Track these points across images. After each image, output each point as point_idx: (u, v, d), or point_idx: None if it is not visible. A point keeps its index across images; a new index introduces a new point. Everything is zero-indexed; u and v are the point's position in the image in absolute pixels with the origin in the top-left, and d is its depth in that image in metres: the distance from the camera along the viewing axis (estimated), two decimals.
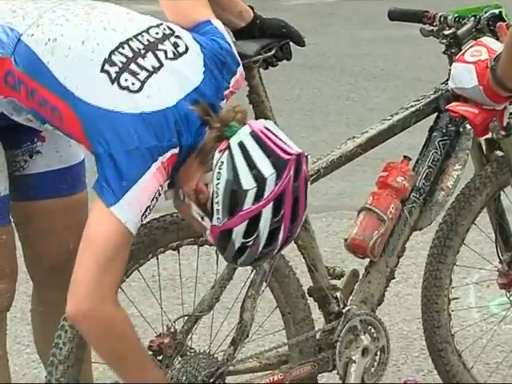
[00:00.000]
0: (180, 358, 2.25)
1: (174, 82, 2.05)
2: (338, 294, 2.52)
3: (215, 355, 2.31)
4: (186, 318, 2.28)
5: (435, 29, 2.58)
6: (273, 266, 2.36)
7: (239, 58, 2.18)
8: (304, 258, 2.51)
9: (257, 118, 2.31)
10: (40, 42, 2.05)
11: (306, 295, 2.50)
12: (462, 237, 2.67)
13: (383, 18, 2.73)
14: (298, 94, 5.79)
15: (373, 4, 7.64)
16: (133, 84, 2.01)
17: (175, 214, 2.24)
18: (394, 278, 2.61)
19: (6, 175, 2.26)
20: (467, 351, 2.79)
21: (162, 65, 2.05)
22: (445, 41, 2.55)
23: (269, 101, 2.45)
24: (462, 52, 2.36)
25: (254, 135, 2.01)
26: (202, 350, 2.30)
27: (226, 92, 2.16)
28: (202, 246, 2.32)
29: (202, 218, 2.07)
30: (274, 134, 2.02)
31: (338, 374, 2.48)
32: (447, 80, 2.53)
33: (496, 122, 2.47)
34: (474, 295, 3.11)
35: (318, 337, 2.49)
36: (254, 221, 2.00)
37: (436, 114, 2.59)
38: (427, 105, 2.58)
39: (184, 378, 2.23)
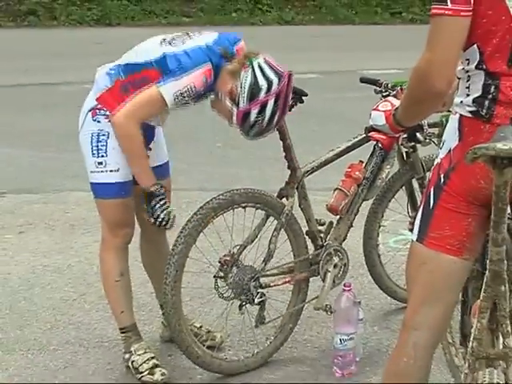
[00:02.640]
0: (235, 268, 3.81)
1: (202, 38, 3.64)
2: (322, 235, 4.11)
3: (254, 267, 3.87)
4: (239, 246, 3.83)
5: (378, 89, 4.16)
6: (287, 220, 3.91)
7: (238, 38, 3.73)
8: (304, 214, 4.08)
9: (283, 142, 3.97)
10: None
11: (305, 236, 4.05)
12: (386, 204, 4.42)
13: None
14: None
15: None
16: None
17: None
18: (352, 226, 4.15)
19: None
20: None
21: (190, 37, 3.66)
22: (383, 98, 3.92)
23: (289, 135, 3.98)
24: (376, 105, 3.43)
25: (265, 60, 3.57)
26: (247, 264, 3.86)
27: (235, 48, 3.66)
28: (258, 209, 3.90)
29: (232, 107, 3.55)
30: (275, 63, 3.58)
31: (320, 277, 4.06)
32: None
33: (404, 142, 4.20)
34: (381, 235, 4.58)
35: (310, 258, 4.06)
36: (263, 106, 3.52)
37: None
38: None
39: (238, 278, 3.80)
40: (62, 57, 13.20)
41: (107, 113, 3.64)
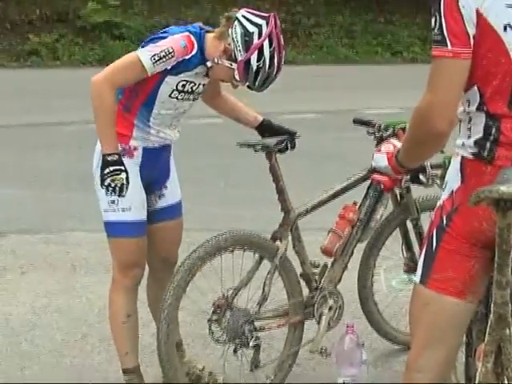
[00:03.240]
0: (229, 311, 3.78)
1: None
2: (316, 277, 4.08)
3: (249, 310, 3.83)
4: (232, 289, 3.79)
5: (371, 130, 4.14)
6: (281, 263, 3.87)
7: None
8: (298, 256, 4.05)
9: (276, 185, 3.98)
10: None
11: (299, 278, 4.02)
12: (380, 246, 4.39)
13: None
14: None
15: None
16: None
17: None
18: (347, 268, 4.12)
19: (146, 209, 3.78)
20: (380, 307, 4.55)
21: None
22: (375, 139, 4.07)
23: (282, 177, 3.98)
24: (379, 147, 3.55)
25: (247, 11, 3.65)
26: (241, 307, 3.82)
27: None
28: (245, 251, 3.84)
29: (231, 65, 3.60)
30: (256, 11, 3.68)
31: (315, 320, 4.05)
32: None
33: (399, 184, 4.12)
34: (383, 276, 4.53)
35: (305, 300, 4.04)
36: (260, 50, 3.57)
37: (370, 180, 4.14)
38: (366, 174, 4.10)
39: (232, 322, 3.77)
40: (65, 97, 13.25)
41: (122, 146, 3.66)
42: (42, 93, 13.82)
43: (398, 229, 4.41)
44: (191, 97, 3.76)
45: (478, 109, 2.51)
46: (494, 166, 2.47)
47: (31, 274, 5.70)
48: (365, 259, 4.40)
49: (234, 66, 3.60)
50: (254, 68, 3.59)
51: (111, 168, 3.54)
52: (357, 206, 4.10)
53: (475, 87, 2.49)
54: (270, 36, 3.60)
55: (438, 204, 2.64)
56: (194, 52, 3.60)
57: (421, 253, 2.69)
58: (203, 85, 3.77)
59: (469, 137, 2.54)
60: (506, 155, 2.47)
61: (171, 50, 3.53)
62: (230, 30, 3.60)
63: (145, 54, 3.52)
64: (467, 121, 2.55)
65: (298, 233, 4.02)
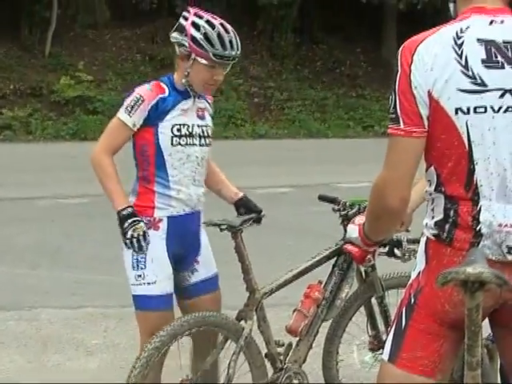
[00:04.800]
0: None
1: None
2: (281, 357, 4.03)
3: None
4: (197, 371, 3.78)
5: (336, 208, 4.14)
6: (247, 343, 3.81)
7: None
8: (262, 336, 4.01)
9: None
10: None
11: (264, 358, 3.96)
12: (345, 325, 4.32)
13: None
14: None
15: None
16: None
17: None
18: (312, 348, 4.09)
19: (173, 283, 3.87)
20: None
21: None
22: (341, 217, 4.10)
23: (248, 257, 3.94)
24: (353, 219, 3.50)
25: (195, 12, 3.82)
26: None
27: None
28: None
29: (189, 57, 3.77)
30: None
31: None
32: (342, 238, 4.02)
33: (366, 262, 3.92)
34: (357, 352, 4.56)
35: (269, 381, 3.98)
36: (194, 24, 3.77)
37: (336, 257, 4.14)
38: (331, 253, 4.13)
39: None
40: (37, 171, 13.26)
41: (145, 220, 3.79)
42: (15, 167, 13.80)
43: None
44: (195, 141, 3.88)
45: (436, 190, 2.54)
46: (454, 247, 2.50)
47: (1, 352, 5.61)
48: (330, 339, 4.35)
49: (193, 55, 3.77)
50: (200, 36, 3.75)
51: (129, 220, 3.70)
52: (322, 285, 4.10)
53: (432, 167, 2.53)
54: (195, 14, 3.82)
55: (409, 282, 2.67)
56: (166, 93, 3.83)
57: (390, 330, 2.70)
58: (198, 125, 3.90)
59: (432, 217, 2.57)
60: (464, 238, 2.49)
61: (139, 96, 3.80)
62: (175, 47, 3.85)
63: (121, 112, 3.83)
64: (430, 201, 2.59)
65: (263, 313, 3.99)
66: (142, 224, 3.72)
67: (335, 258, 4.18)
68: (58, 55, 21.19)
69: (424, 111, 2.46)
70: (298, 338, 4.07)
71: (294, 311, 4.04)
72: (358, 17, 24.31)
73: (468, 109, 2.44)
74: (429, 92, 2.45)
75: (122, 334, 5.76)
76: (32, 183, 12.38)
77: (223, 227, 3.90)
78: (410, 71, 2.47)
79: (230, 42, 3.79)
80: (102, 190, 3.82)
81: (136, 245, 3.72)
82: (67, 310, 6.04)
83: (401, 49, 2.52)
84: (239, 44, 3.85)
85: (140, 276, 3.80)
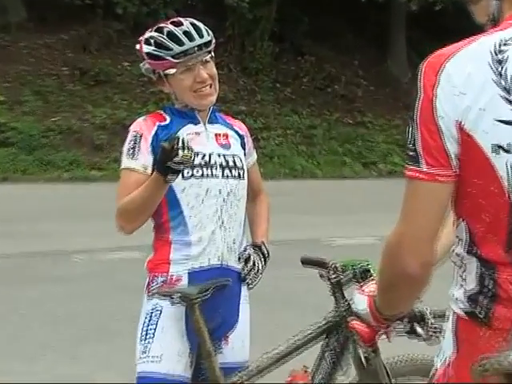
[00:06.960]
0: None
1: None
2: None
3: None
4: None
5: (324, 273, 4.03)
6: None
7: None
8: None
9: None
10: None
11: None
12: None
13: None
14: None
15: None
16: None
17: None
18: None
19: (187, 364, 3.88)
20: None
21: None
22: (331, 285, 4.01)
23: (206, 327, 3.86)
24: (361, 285, 3.47)
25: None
26: None
27: None
28: None
29: (161, 74, 4.07)
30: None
31: None
32: (333, 310, 3.96)
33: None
34: None
35: None
36: (145, 40, 4.09)
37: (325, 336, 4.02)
38: (319, 330, 4.01)
39: None
40: None
41: (161, 279, 3.89)
42: None
43: None
44: (216, 172, 3.97)
45: (468, 251, 2.50)
46: (492, 328, 2.45)
47: None
48: None
49: (160, 72, 4.05)
50: (153, 48, 4.03)
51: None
52: (308, 373, 4.02)
53: (463, 222, 2.49)
54: (147, 32, 4.11)
55: (432, 372, 2.64)
56: (166, 121, 4.05)
57: None
58: (219, 154, 4.04)
59: (462, 287, 2.53)
60: (506, 314, 2.45)
61: (135, 134, 4.00)
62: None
63: (123, 161, 4.00)
64: (460, 266, 2.53)
65: None
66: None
67: (325, 338, 4.07)
68: None
69: (452, 148, 2.41)
70: None
71: None
72: (356, 20, 24.53)
73: (510, 146, 2.44)
74: (459, 123, 2.41)
75: None
76: None
77: (175, 298, 3.86)
78: (435, 96, 2.43)
79: (186, 33, 4.02)
80: (146, 206, 3.92)
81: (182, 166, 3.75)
82: None
83: (422, 66, 2.48)
84: (202, 28, 4.08)
85: (145, 351, 3.86)
